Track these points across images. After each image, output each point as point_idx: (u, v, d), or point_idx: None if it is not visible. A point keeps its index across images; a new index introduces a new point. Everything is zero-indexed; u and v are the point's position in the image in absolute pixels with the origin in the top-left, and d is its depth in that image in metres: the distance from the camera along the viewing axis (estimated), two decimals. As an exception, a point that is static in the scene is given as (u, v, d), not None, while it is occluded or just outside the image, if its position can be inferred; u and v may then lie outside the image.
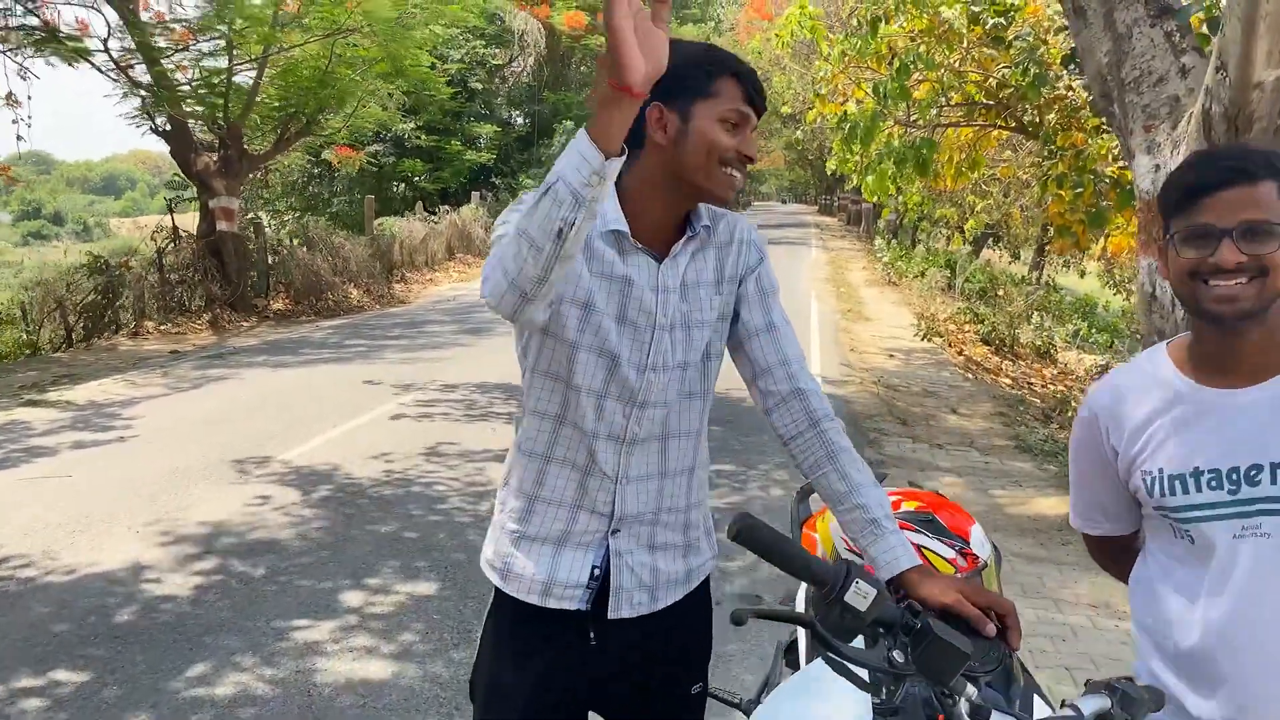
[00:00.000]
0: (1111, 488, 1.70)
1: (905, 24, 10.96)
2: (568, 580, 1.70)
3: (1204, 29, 5.67)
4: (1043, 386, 12.41)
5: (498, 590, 1.79)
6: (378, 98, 17.81)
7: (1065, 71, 10.09)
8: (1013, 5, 10.63)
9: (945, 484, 6.47)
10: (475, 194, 26.29)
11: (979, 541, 1.86)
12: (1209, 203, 1.48)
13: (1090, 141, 10.30)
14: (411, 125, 24.00)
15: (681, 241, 1.69)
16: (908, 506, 1.90)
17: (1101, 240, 12.53)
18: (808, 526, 2.33)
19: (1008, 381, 12.12)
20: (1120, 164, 9.99)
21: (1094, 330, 17.58)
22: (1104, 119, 9.03)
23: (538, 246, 1.35)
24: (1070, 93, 10.45)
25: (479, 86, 27.32)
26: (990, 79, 11.30)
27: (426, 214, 22.90)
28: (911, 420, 8.44)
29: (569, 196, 1.31)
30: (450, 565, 4.76)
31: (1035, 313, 16.76)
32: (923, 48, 10.63)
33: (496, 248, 1.45)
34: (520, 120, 29.50)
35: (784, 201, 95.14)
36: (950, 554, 1.76)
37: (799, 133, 25.40)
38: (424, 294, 18.28)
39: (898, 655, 1.30)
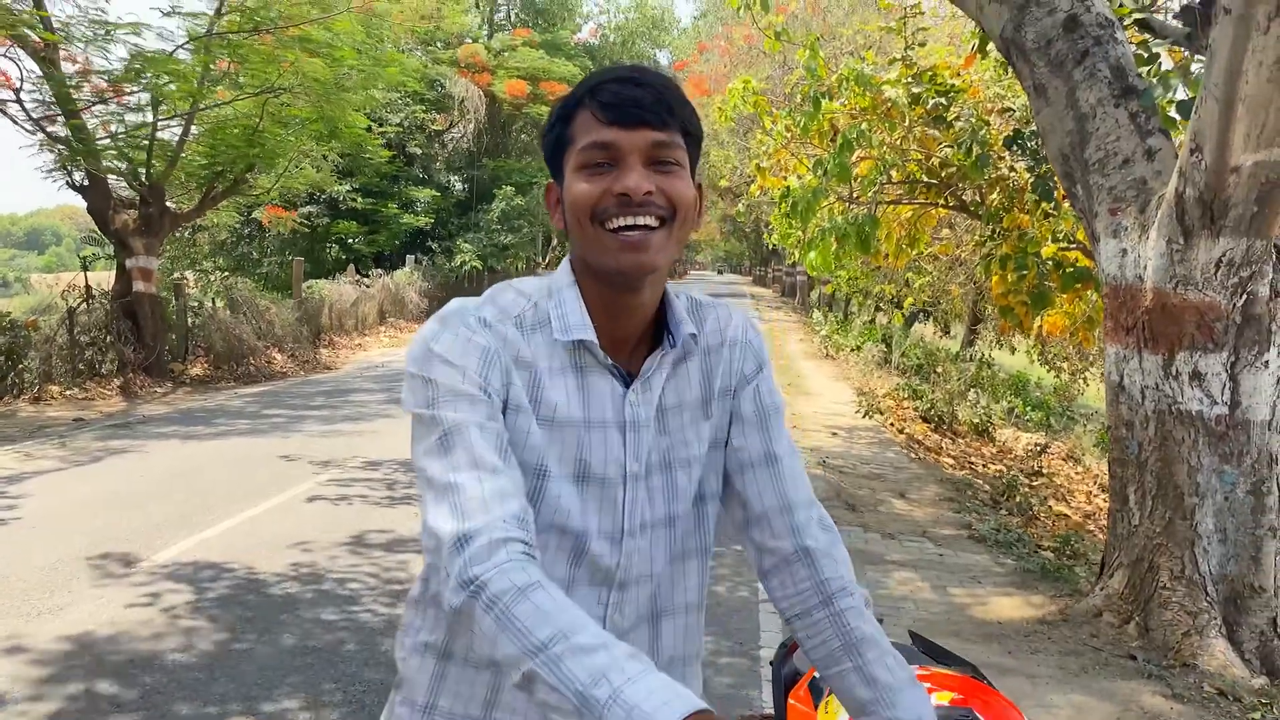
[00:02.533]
0: None
1: (848, 102, 10.89)
2: None
3: (1172, 111, 5.50)
4: (984, 466, 12.20)
5: None
6: (312, 159, 17.33)
7: (1008, 153, 10.06)
8: (953, 86, 10.63)
9: (901, 579, 6.08)
10: (410, 257, 25.82)
11: (1029, 748, 1.43)
12: None
13: (1034, 223, 10.24)
14: (347, 187, 23.52)
15: (656, 356, 1.28)
16: (940, 699, 1.47)
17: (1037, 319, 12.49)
18: (796, 697, 1.87)
19: (949, 461, 11.88)
20: (1061, 246, 9.94)
21: (1028, 408, 17.60)
22: (1047, 202, 8.96)
23: (531, 698, 0.98)
24: (1013, 174, 10.41)
25: (418, 151, 27.01)
26: (932, 158, 11.25)
27: (359, 276, 22.32)
28: (860, 505, 8.08)
29: None
30: (360, 686, 4.19)
31: (972, 389, 16.71)
32: (865, 125, 10.54)
33: (489, 621, 1.01)
34: (459, 185, 29.21)
35: (720, 272, 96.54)
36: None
37: (740, 205, 25.42)
38: (351, 360, 17.64)
39: None
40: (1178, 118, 5.55)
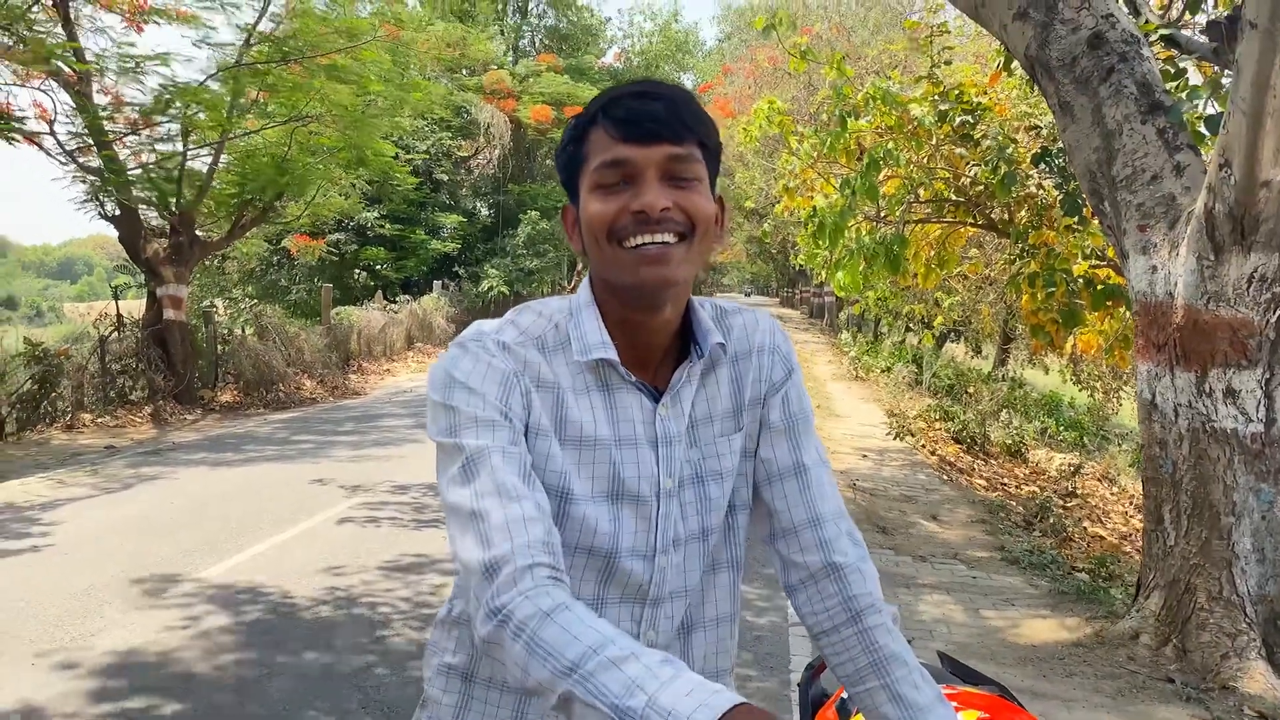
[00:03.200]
0: None
1: (874, 120, 10.89)
2: None
3: (1201, 127, 5.46)
4: (1017, 488, 12.06)
5: None
6: (340, 186, 17.53)
7: (1035, 170, 10.01)
8: (980, 105, 10.61)
9: (933, 601, 6.02)
10: (437, 283, 26.00)
11: (1060, 769, 1.41)
12: None
13: (1061, 240, 10.17)
14: (375, 214, 23.75)
15: (683, 368, 1.27)
16: (966, 718, 1.45)
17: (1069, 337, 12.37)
18: (823, 718, 1.86)
19: (982, 483, 11.76)
20: (1091, 263, 9.86)
21: (1061, 428, 17.41)
22: (1074, 218, 8.89)
23: (546, 705, 0.99)
24: (1040, 191, 10.35)
25: (444, 177, 27.25)
26: (961, 177, 11.21)
27: (387, 302, 22.50)
28: (891, 528, 8.00)
29: None
30: (387, 707, 4.19)
31: (1004, 410, 16.56)
32: (891, 144, 10.52)
33: (519, 647, 1.01)
34: (485, 210, 29.42)
35: (747, 294, 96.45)
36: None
37: (766, 225, 25.40)
38: (380, 385, 17.75)
39: None
40: (1206, 133, 5.51)
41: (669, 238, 1.16)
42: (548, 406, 1.20)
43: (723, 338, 1.28)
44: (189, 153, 13.92)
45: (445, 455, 1.17)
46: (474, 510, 1.10)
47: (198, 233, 14.44)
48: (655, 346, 1.26)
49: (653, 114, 1.15)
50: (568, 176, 1.24)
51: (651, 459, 1.24)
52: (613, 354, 1.22)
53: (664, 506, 1.24)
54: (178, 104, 12.96)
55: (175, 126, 13.65)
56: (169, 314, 13.59)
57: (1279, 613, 4.85)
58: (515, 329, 1.24)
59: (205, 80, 13.34)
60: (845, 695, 1.90)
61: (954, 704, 1.48)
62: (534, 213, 27.73)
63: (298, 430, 12.15)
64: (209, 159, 14.28)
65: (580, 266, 43.94)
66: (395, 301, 22.98)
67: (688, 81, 43.16)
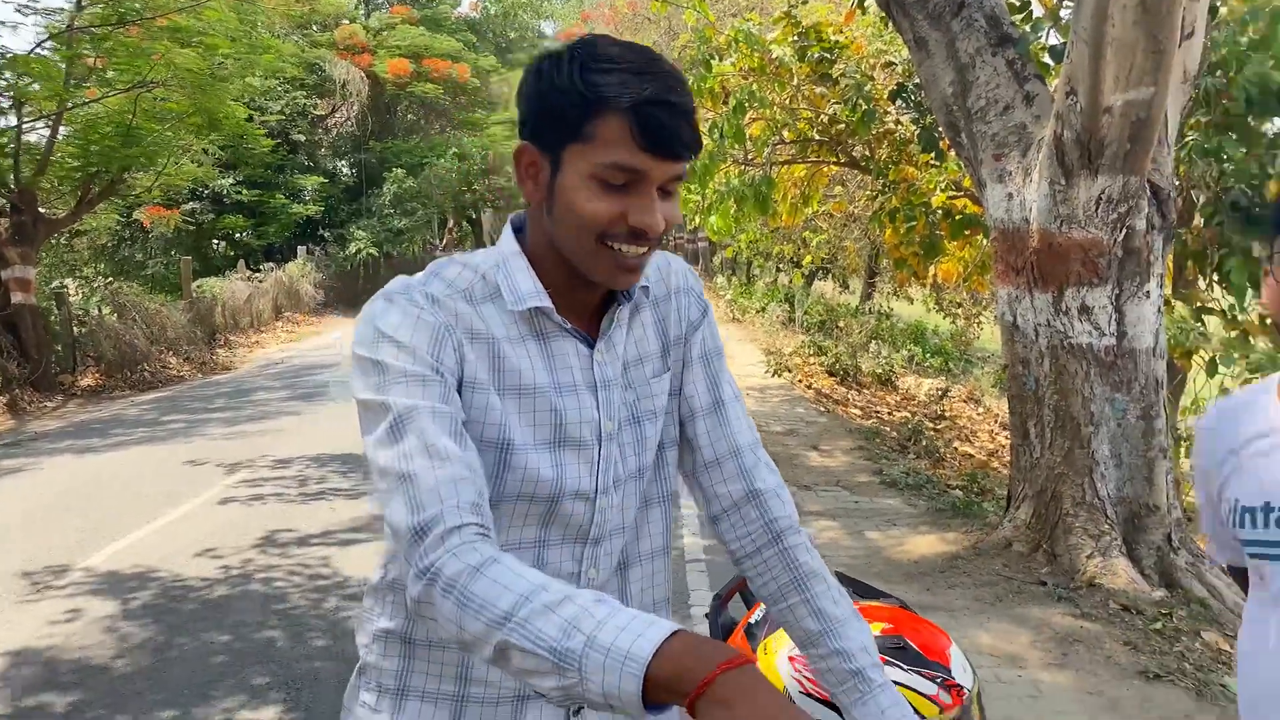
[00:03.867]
0: (1217, 512, 1.57)
1: (737, 62, 10.96)
2: None
3: (1045, 57, 5.71)
4: (889, 414, 12.55)
5: None
6: (191, 153, 16.73)
7: (893, 106, 10.28)
8: (836, 43, 10.77)
9: (820, 527, 6.26)
10: (302, 249, 25.19)
11: (960, 666, 1.52)
12: None
13: (921, 174, 10.52)
14: (230, 180, 22.77)
15: (612, 312, 1.27)
16: (873, 630, 1.54)
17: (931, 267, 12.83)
18: (733, 644, 1.94)
19: (857, 412, 12.20)
20: (949, 195, 10.23)
21: (927, 354, 18.15)
22: (931, 153, 9.20)
23: (508, 670, 0.99)
24: (899, 127, 10.65)
25: (301, 138, 26.27)
26: (821, 115, 11.42)
27: (250, 272, 21.69)
28: (776, 461, 8.23)
29: (576, 693, 0.93)
30: (294, 680, 4.15)
31: (872, 341, 17.13)
32: (755, 86, 10.64)
33: (449, 604, 1.01)
34: (346, 171, 28.53)
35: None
36: (932, 689, 1.42)
37: None
38: (250, 358, 17.20)
39: None
40: (1051, 63, 5.77)
41: (646, 251, 1.18)
42: (483, 358, 1.20)
43: (645, 281, 1.30)
44: (25, 126, 13.06)
45: (370, 413, 1.14)
46: (403, 473, 1.08)
47: (41, 210, 13.61)
48: (591, 298, 1.27)
49: (680, 134, 1.13)
50: (550, 124, 1.16)
51: (592, 403, 1.25)
52: (547, 302, 1.22)
53: (605, 449, 1.26)
54: (6, 74, 12.12)
55: (5, 100, 12.77)
56: (17, 298, 12.82)
57: (1136, 512, 5.23)
58: (441, 281, 1.22)
59: (35, 48, 12.50)
60: (753, 620, 2.00)
61: (861, 615, 1.57)
62: (399, 170, 27.03)
63: (167, 410, 11.70)
64: (47, 132, 13.43)
65: (451, 224, 43.14)
66: (259, 270, 22.17)
67: (548, 29, 42.50)
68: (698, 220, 12.08)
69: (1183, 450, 6.92)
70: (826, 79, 10.76)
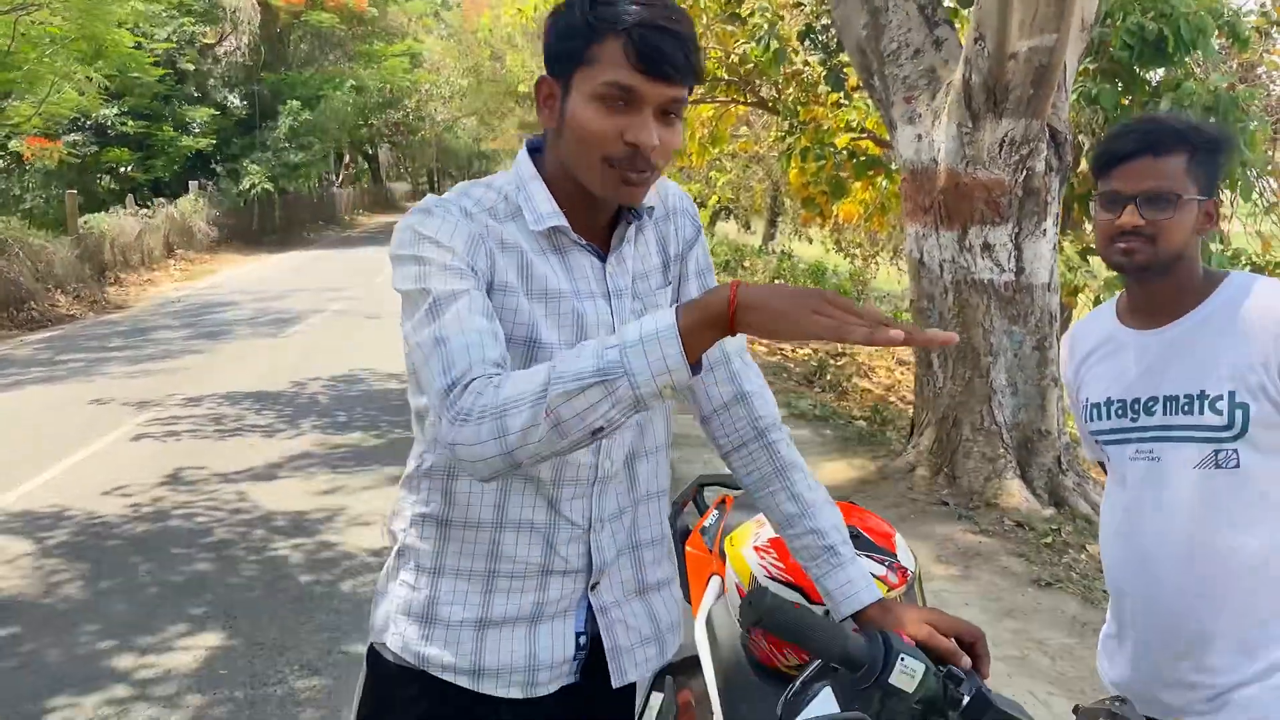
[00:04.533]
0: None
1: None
2: (552, 660, 1.40)
3: (953, 2, 5.92)
4: (794, 351, 12.91)
5: (423, 681, 1.42)
6: (74, 81, 15.94)
7: (802, 47, 10.44)
8: (745, -17, 10.82)
9: (735, 459, 6.51)
10: (193, 183, 24.27)
11: (903, 551, 1.71)
12: (1119, 171, 1.66)
13: (829, 115, 10.74)
14: (115, 111, 21.72)
15: (621, 228, 1.41)
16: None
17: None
18: (692, 544, 2.11)
19: (762, 349, 12.51)
20: (854, 136, 10.49)
21: (828, 293, 18.64)
22: (838, 93, 9.42)
23: (563, 434, 1.11)
24: (807, 68, 10.82)
25: (190, 67, 25.16)
26: (731, 55, 11.51)
27: (139, 207, 20.86)
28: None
29: (630, 398, 1.08)
30: (231, 607, 4.21)
31: (776, 281, 17.49)
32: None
33: (489, 423, 1.12)
34: (237, 102, 27.45)
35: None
36: (882, 571, 1.60)
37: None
38: (145, 296, 16.64)
39: None
40: (959, 8, 5.99)
41: (649, 170, 1.28)
42: (512, 264, 1.32)
43: (650, 202, 1.43)
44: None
45: (411, 302, 1.26)
46: (438, 338, 1.20)
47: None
48: (602, 216, 1.40)
49: (674, 58, 1.23)
50: (561, 59, 1.29)
51: (607, 309, 1.38)
52: (564, 221, 1.34)
53: None
54: None
55: None
56: (-112, 232, 12.16)
57: (1029, 437, 5.60)
58: (469, 199, 1.34)
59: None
60: (706, 524, 2.17)
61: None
62: (294, 102, 26.14)
63: (62, 350, 11.30)
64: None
65: (348, 159, 42.01)
66: (148, 206, 21.32)
67: (446, -41, 41.34)
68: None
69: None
70: (735, 18, 10.84)
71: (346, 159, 41.05)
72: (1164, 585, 1.68)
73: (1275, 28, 8.41)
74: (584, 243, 1.38)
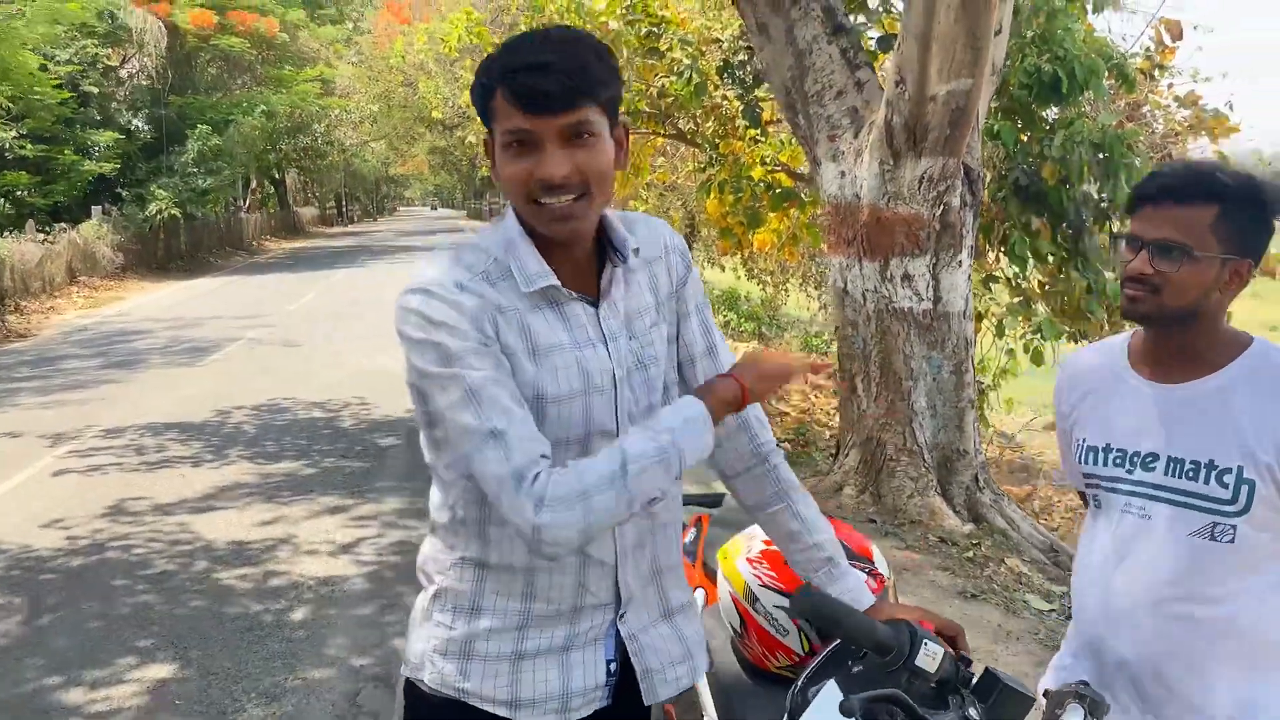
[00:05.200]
0: (1067, 446, 1.87)
1: (568, 32, 11.12)
2: (584, 688, 1.50)
3: (874, 46, 6.25)
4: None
5: (461, 709, 1.50)
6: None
7: (720, 82, 10.76)
8: (664, 18, 11.14)
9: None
10: (96, 208, 23.59)
11: (880, 560, 1.90)
12: (1143, 213, 1.62)
13: (746, 149, 11.08)
14: (13, 133, 21.02)
15: (609, 272, 1.49)
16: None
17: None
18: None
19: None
20: (769, 169, 10.84)
21: (741, 320, 19.04)
22: (754, 127, 9.76)
23: (631, 506, 1.34)
24: (725, 102, 11.15)
25: (93, 90, 24.50)
26: (650, 88, 11.77)
27: (40, 232, 20.19)
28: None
29: (678, 470, 1.36)
30: (180, 639, 4.21)
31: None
32: (587, 56, 10.88)
33: (576, 506, 1.31)
34: (143, 126, 26.81)
35: (434, 208, 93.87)
36: (863, 578, 1.79)
37: (470, 136, 24.73)
38: (48, 324, 16.12)
39: (973, 713, 1.28)
40: (878, 51, 6.33)
41: (571, 199, 1.35)
42: (512, 327, 1.39)
43: (637, 244, 1.51)
44: None
45: (440, 383, 1.36)
46: (491, 430, 1.32)
47: None
48: (580, 261, 1.48)
49: (548, 92, 1.30)
50: (480, 113, 1.41)
51: (605, 354, 1.46)
52: (554, 280, 1.42)
53: (621, 391, 1.47)
54: None
55: None
56: None
57: (949, 456, 5.91)
58: (462, 268, 1.41)
59: None
60: (686, 540, 2.34)
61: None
62: (204, 127, 25.63)
63: (-36, 381, 10.93)
64: None
65: (255, 185, 41.19)
66: (48, 231, 20.65)
67: (357, -16, 41.16)
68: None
69: (984, 401, 7.74)
70: (655, 52, 11.11)
71: (254, 184, 40.29)
72: (1137, 643, 1.68)
73: (1158, 70, 9.01)
74: (575, 295, 1.46)
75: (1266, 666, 1.64)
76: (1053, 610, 4.67)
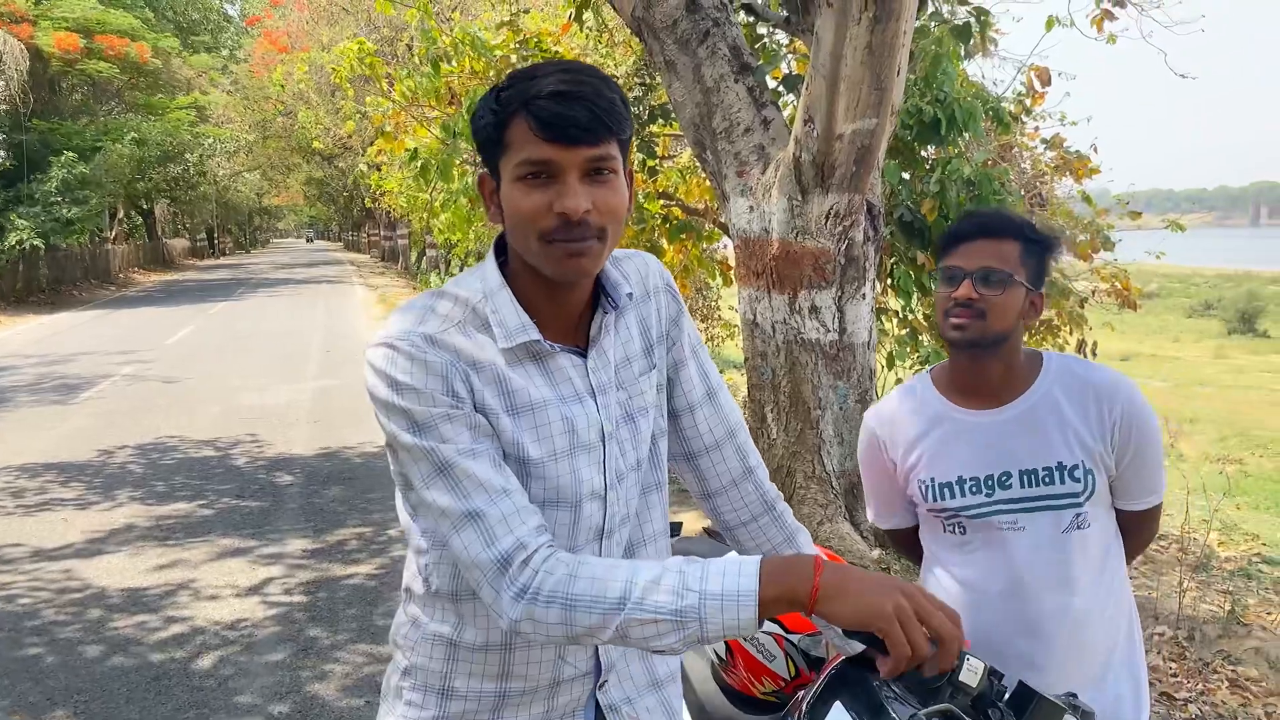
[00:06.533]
0: (894, 491, 1.99)
1: (460, 64, 11.13)
2: None
3: (779, 86, 6.43)
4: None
5: None
6: None
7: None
8: (556, 54, 11.24)
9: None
10: (-50, 239, 22.29)
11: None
12: (960, 249, 1.80)
13: (648, 182, 11.23)
14: None
15: (599, 319, 1.37)
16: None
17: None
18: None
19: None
20: (664, 204, 11.01)
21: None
22: (650, 159, 9.90)
23: (626, 641, 1.19)
24: (622, 136, 11.27)
25: (-54, 114, 23.20)
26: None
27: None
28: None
29: (696, 638, 1.15)
30: (76, 691, 3.96)
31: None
32: (483, 89, 10.87)
33: (561, 611, 1.18)
34: (2, 153, 25.47)
35: (310, 240, 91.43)
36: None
37: (361, 166, 24.12)
38: (-102, 362, 15.09)
39: None
40: (783, 90, 6.51)
41: (589, 237, 1.25)
42: (490, 384, 1.28)
43: (630, 288, 1.39)
44: None
45: (412, 457, 1.25)
46: (467, 511, 1.21)
47: None
48: (574, 306, 1.36)
49: (577, 120, 1.21)
50: (487, 153, 1.30)
51: (594, 408, 1.34)
52: (535, 333, 1.30)
53: (609, 447, 1.36)
54: None
55: None
56: None
57: (855, 484, 6.05)
58: (436, 318, 1.29)
59: None
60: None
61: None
62: (69, 154, 24.52)
63: None
64: None
65: (121, 215, 39.49)
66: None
67: (233, 11, 40.10)
68: (426, 218, 12.12)
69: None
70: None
71: (120, 214, 38.64)
72: (1048, 641, 1.83)
73: (1025, 114, 9.51)
74: (561, 347, 1.34)
75: (1113, 638, 1.87)
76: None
